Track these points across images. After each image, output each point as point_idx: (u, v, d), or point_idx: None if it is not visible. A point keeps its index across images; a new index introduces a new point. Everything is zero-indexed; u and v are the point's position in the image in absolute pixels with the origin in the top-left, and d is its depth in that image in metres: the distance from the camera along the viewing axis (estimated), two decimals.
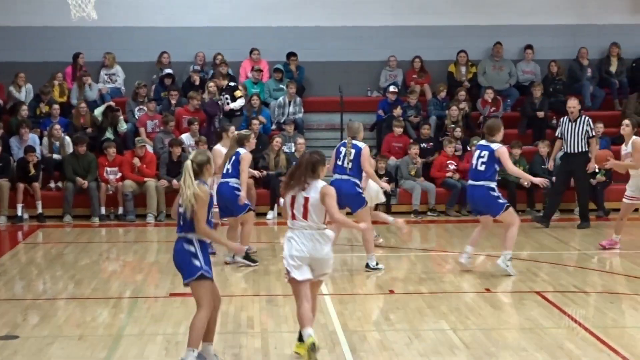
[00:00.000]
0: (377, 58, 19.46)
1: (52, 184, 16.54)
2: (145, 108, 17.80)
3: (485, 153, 10.82)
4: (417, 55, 19.33)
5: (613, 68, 19.45)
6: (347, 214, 11.17)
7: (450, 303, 9.71)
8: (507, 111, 18.67)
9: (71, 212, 16.04)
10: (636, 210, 13.75)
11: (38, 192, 16.02)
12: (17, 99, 17.83)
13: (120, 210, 16.23)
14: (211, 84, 17.59)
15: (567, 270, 11.59)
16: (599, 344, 8.11)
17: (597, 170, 15.20)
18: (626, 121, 12.96)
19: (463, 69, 19.35)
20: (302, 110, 18.51)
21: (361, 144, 11.41)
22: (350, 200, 11.27)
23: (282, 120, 18.14)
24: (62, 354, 7.99)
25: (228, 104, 17.49)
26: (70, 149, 16.61)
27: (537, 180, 11.45)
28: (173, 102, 18.05)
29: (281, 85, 18.75)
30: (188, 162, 7.28)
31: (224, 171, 11.68)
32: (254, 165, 16.16)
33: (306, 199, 7.58)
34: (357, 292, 10.44)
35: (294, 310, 7.84)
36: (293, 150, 16.99)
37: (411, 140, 17.36)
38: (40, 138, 16.93)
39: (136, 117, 17.82)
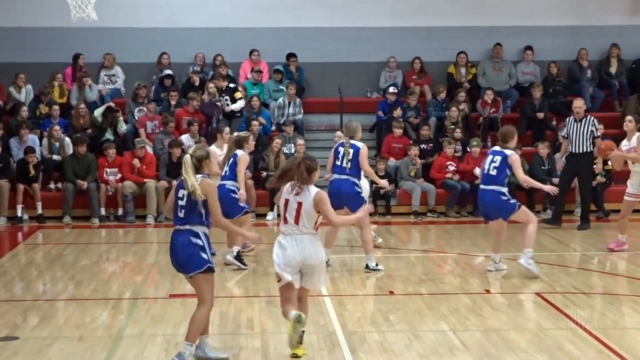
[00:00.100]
0: (377, 59, 19.44)
1: (52, 185, 16.54)
2: (145, 109, 17.79)
3: (498, 158, 10.86)
4: (417, 56, 19.32)
5: (613, 69, 19.44)
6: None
7: (450, 304, 9.70)
8: (506, 112, 18.67)
9: (71, 213, 16.03)
10: (636, 211, 13.72)
11: (38, 193, 16.01)
12: (17, 100, 17.82)
13: (120, 211, 16.23)
14: (211, 85, 17.59)
15: (567, 272, 11.58)
16: (599, 345, 8.10)
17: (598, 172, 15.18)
18: (629, 117, 13.08)
19: (463, 70, 19.34)
20: (302, 111, 18.49)
21: (359, 144, 11.39)
22: (350, 199, 11.25)
23: (281, 121, 18.13)
24: (62, 354, 7.98)
25: (228, 105, 17.50)
26: (70, 149, 16.60)
27: (547, 188, 11.45)
28: (173, 103, 18.04)
29: (281, 86, 18.73)
30: (187, 157, 7.27)
31: (222, 173, 11.67)
32: (254, 166, 16.21)
33: (299, 204, 7.63)
34: (357, 293, 10.43)
35: None
36: (293, 151, 16.97)
37: (411, 142, 17.36)
38: (40, 139, 16.91)
39: (136, 118, 17.81)
